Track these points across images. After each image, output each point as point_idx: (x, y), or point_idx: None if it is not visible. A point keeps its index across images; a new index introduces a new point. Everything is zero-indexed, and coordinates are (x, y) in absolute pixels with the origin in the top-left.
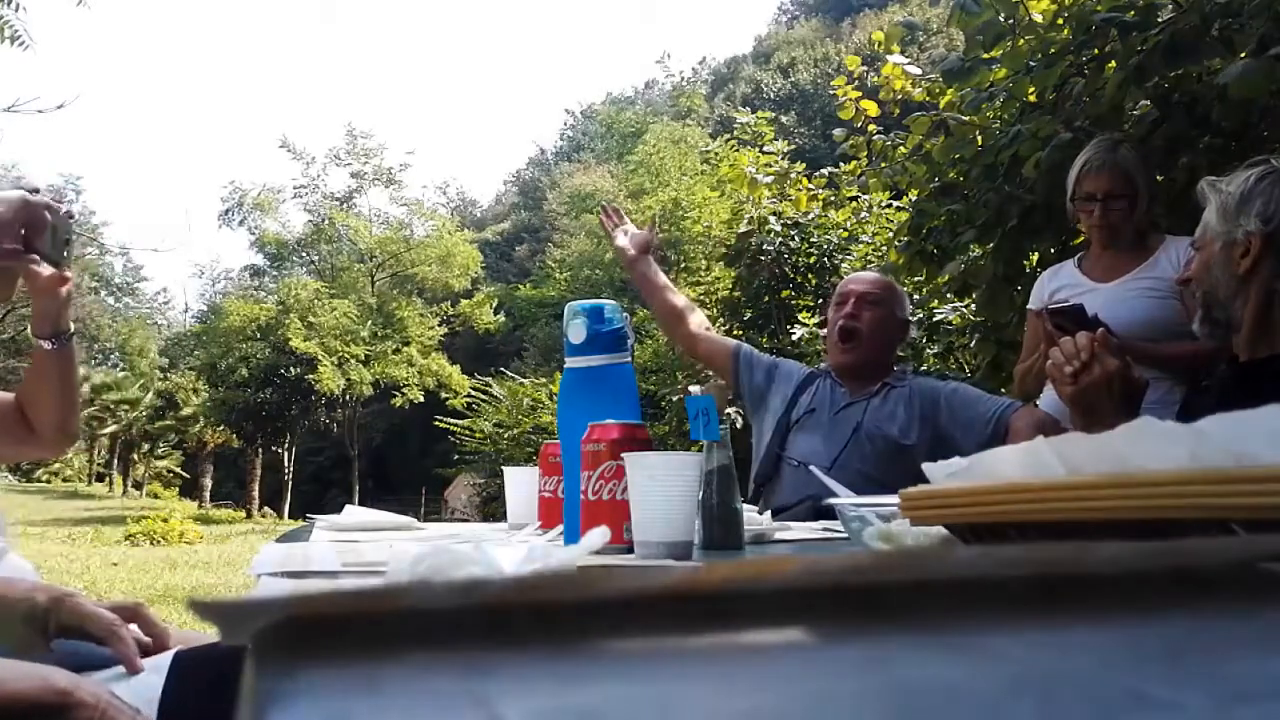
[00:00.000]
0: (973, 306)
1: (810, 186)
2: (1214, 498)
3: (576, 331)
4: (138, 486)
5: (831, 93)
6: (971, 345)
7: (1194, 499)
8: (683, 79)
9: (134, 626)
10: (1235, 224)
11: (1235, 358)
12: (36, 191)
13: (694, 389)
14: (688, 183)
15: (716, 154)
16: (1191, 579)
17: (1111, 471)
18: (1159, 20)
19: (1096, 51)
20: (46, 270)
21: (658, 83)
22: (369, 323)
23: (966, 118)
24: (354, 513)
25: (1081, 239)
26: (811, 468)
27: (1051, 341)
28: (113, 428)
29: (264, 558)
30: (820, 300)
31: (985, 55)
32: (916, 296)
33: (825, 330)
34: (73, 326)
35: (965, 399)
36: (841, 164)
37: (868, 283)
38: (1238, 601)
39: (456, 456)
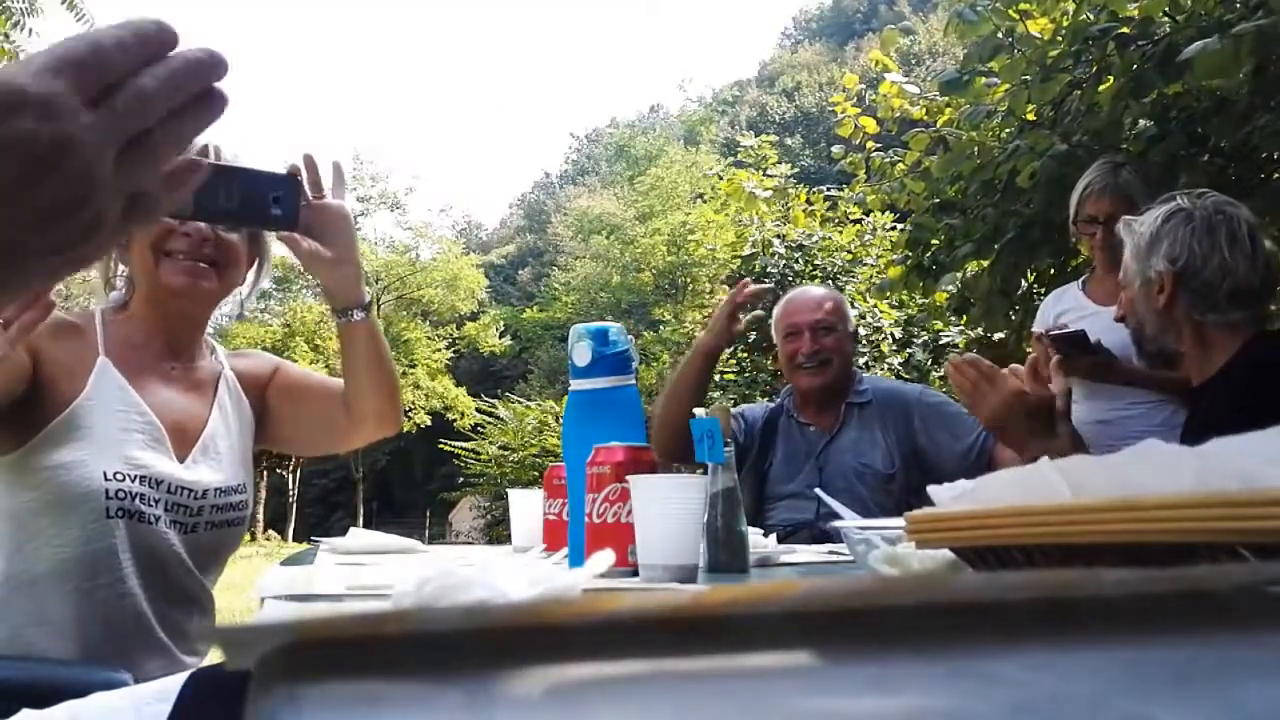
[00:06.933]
0: (978, 330)
1: (809, 204)
2: (1222, 521)
3: (581, 354)
4: None
5: (833, 112)
6: None
7: (1202, 523)
8: (701, 102)
9: None
10: (1148, 264)
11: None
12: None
13: (699, 411)
14: (699, 205)
15: (719, 175)
16: (1199, 603)
17: (1118, 495)
18: (1156, 34)
19: (1094, 66)
20: (308, 244)
21: (662, 107)
22: None
23: (964, 134)
24: (359, 536)
25: (1083, 259)
26: (818, 490)
27: (1056, 366)
28: None
29: (268, 581)
30: None
31: (982, 68)
32: (919, 317)
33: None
34: (368, 296)
35: (940, 415)
36: (845, 186)
37: (816, 309)
38: (1245, 626)
39: (461, 479)
